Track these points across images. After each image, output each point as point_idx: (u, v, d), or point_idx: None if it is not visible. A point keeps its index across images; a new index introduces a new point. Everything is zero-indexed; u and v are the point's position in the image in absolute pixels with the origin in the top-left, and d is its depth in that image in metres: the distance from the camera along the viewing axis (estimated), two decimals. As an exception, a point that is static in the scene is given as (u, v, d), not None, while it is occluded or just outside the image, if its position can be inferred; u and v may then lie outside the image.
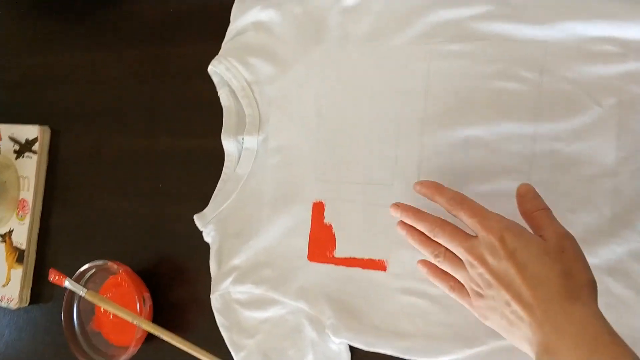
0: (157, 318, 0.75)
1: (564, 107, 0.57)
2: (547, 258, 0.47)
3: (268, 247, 0.68)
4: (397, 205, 0.59)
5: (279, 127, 0.69)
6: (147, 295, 0.74)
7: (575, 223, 0.55)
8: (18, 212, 0.86)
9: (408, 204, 0.59)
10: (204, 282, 0.73)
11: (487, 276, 0.50)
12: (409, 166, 0.62)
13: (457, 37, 0.61)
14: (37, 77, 0.89)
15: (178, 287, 0.76)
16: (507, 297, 0.48)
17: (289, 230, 0.68)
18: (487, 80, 0.59)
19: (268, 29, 0.71)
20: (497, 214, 0.51)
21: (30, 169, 0.86)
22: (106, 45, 0.84)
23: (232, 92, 0.72)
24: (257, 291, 0.68)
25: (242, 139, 0.71)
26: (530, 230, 0.51)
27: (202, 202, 0.73)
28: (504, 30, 0.59)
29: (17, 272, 0.85)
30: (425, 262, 0.59)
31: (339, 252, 0.65)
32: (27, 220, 0.85)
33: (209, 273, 0.72)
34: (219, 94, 0.73)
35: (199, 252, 0.73)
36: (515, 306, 0.48)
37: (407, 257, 0.62)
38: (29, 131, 0.86)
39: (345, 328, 0.63)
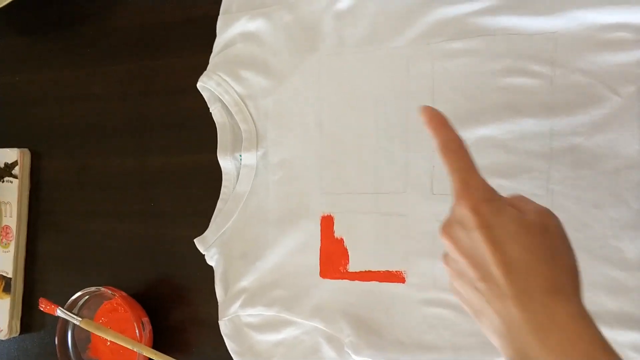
0: (158, 343, 0.67)
1: (580, 100, 0.50)
2: (528, 238, 0.36)
3: (277, 266, 0.60)
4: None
5: (278, 141, 0.61)
6: (145, 319, 0.66)
7: (601, 218, 0.49)
8: (1, 239, 0.77)
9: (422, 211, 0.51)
10: (205, 303, 0.65)
11: (453, 250, 0.39)
12: (421, 172, 0.55)
13: (460, 34, 0.54)
14: (13, 97, 0.79)
15: (178, 310, 0.68)
16: (473, 276, 0.37)
17: (297, 247, 0.60)
18: (495, 77, 0.52)
19: (258, 39, 0.62)
20: (482, 179, 0.40)
21: (12, 194, 0.77)
22: (86, 61, 0.75)
23: (225, 108, 0.64)
24: (269, 313, 0.60)
25: (240, 155, 0.63)
26: None
27: (198, 220, 0.65)
28: (509, 23, 0.52)
29: (5, 302, 0.76)
30: None
31: (353, 266, 0.57)
32: (11, 248, 0.76)
33: (210, 293, 0.64)
34: (210, 110, 0.65)
35: (198, 272, 0.66)
36: (483, 288, 0.37)
37: (427, 266, 0.54)
38: (7, 155, 0.77)
39: (367, 345, 0.55)
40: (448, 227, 0.39)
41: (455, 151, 0.41)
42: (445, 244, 0.40)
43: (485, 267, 0.36)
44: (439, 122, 0.42)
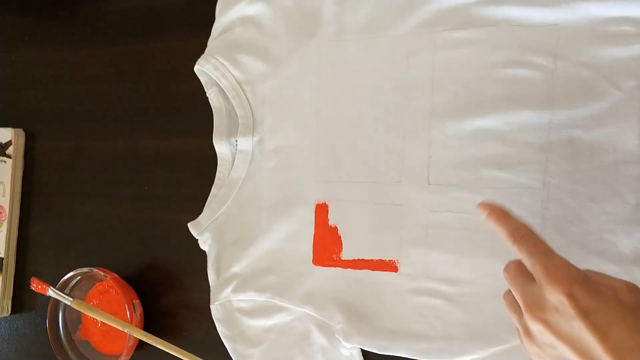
0: (149, 327, 0.67)
1: (580, 93, 0.49)
2: (631, 320, 0.35)
3: (270, 252, 0.60)
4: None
5: (275, 128, 0.60)
6: (137, 302, 0.66)
7: (597, 212, 0.48)
8: (-6, 218, 0.77)
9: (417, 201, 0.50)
10: (196, 287, 0.65)
11: (550, 336, 0.37)
12: (417, 162, 0.54)
13: (462, 24, 0.53)
14: (8, 77, 0.78)
15: (169, 294, 0.67)
16: None
17: (291, 234, 0.59)
18: (496, 68, 0.51)
19: (257, 24, 0.61)
20: (563, 259, 0.38)
21: (5, 173, 0.76)
22: (82, 42, 0.73)
23: (222, 92, 0.62)
24: (261, 298, 0.59)
25: (236, 141, 0.62)
26: None
27: (192, 205, 0.64)
28: (512, 14, 0.51)
29: (-3, 281, 0.76)
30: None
31: (346, 254, 0.57)
32: (4, 227, 0.75)
33: (202, 278, 0.63)
34: (207, 94, 0.63)
35: (190, 256, 0.65)
36: None
37: (420, 256, 0.54)
38: (2, 134, 0.76)
39: (357, 332, 0.55)
40: (541, 312, 0.38)
41: (527, 237, 0.40)
42: (536, 328, 0.38)
43: (593, 355, 0.35)
44: (500, 214, 0.42)
